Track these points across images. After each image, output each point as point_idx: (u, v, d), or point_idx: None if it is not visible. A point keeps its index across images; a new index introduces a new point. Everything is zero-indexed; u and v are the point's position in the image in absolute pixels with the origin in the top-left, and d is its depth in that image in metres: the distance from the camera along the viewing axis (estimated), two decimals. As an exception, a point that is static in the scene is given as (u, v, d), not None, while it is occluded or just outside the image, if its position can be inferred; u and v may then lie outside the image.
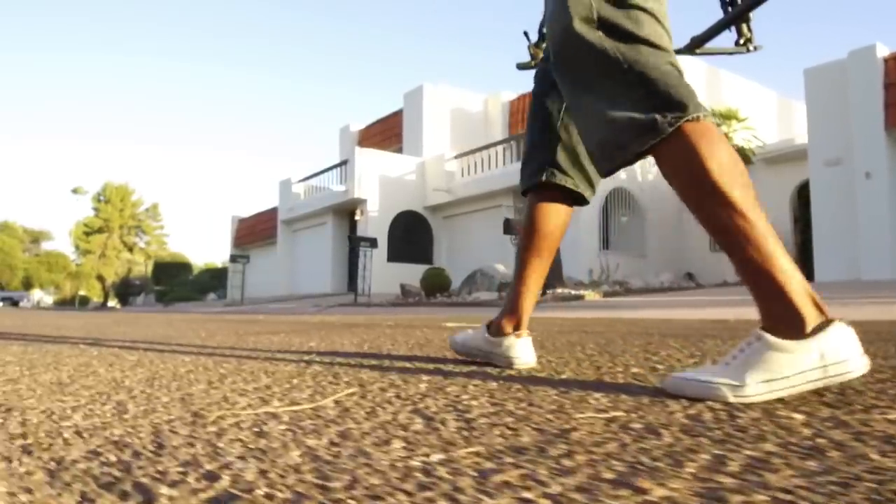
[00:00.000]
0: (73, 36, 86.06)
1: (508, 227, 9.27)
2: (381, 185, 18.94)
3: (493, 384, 1.32)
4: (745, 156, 14.53)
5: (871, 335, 2.12)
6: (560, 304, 8.29)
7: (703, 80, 17.48)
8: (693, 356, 1.77)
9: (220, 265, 49.11)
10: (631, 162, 1.18)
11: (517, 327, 1.57)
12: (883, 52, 10.76)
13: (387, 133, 22.32)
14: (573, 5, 1.21)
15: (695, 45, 1.62)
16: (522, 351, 1.56)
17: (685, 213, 16.33)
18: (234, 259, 16.56)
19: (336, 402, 1.17)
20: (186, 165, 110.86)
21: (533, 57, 1.77)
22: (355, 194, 18.57)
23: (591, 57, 1.19)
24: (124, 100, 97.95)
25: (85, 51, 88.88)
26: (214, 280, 32.37)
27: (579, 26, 1.19)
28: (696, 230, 15.90)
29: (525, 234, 1.55)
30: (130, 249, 62.84)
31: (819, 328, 1.01)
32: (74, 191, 61.10)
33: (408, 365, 1.69)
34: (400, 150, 20.98)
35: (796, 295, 1.03)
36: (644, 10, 1.17)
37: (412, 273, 18.88)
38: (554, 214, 1.52)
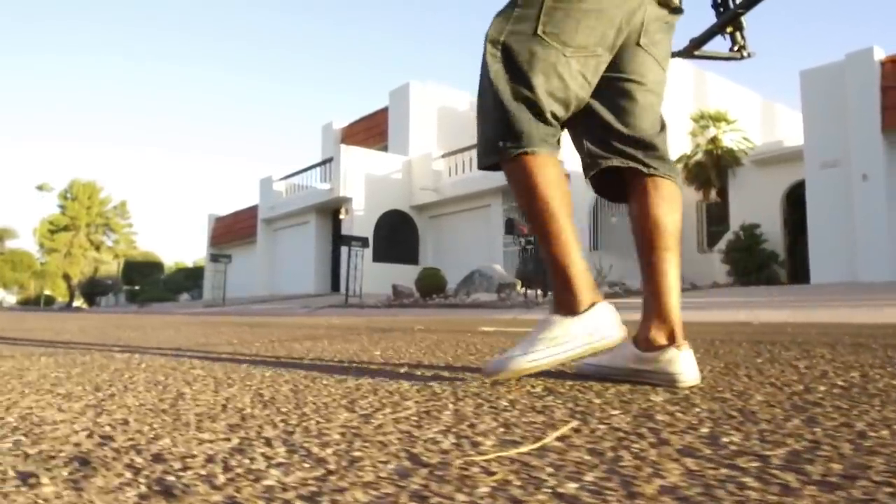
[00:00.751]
0: (41, 35, 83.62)
1: (511, 227, 9.04)
2: (366, 184, 18.60)
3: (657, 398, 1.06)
4: (734, 157, 14.57)
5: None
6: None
7: (691, 82, 17.51)
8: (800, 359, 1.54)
9: (191, 265, 48.12)
10: (484, 168, 1.43)
11: (672, 337, 1.35)
12: (880, 55, 10.80)
13: (371, 131, 21.96)
14: (495, 25, 1.38)
15: (692, 49, 1.67)
16: (686, 365, 1.33)
17: (673, 215, 16.31)
18: (215, 258, 16.05)
19: (561, 438, 0.90)
20: (158, 164, 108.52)
21: None
22: (340, 193, 18.19)
23: (484, 71, 1.38)
24: (95, 98, 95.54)
25: (56, 51, 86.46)
26: (189, 280, 31.57)
27: (488, 45, 1.37)
28: (685, 231, 15.91)
29: (637, 231, 1.44)
30: (98, 248, 61.22)
31: (586, 311, 1.31)
32: (40, 187, 59.18)
33: (570, 383, 1.41)
34: (385, 149, 20.64)
35: (576, 284, 1.32)
36: (550, 45, 1.31)
37: (398, 273, 18.58)
38: (658, 194, 1.46)
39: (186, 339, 3.21)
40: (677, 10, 1.46)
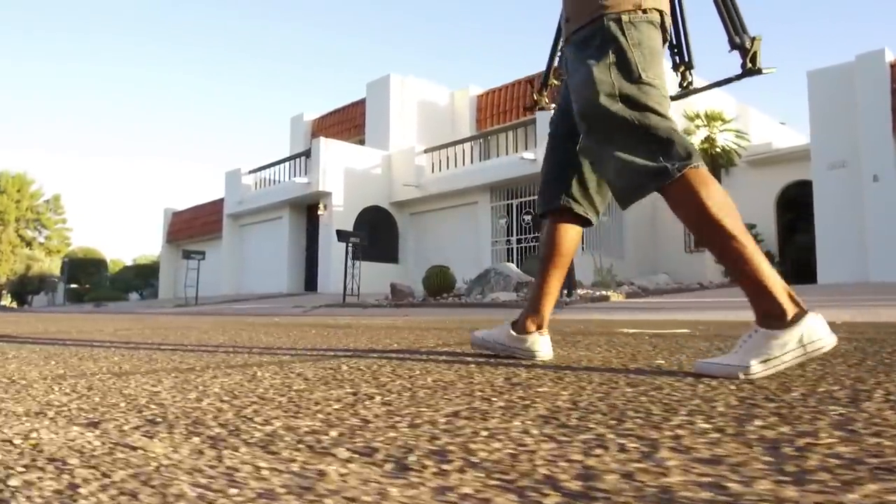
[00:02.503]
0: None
1: (540, 225, 8.54)
2: (345, 179, 17.81)
3: None
4: (729, 158, 14.58)
5: None
6: (595, 306, 7.70)
7: (670, 84, 17.48)
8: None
9: (129, 262, 45.61)
10: (643, 196, 1.53)
11: (540, 326, 1.87)
12: (890, 57, 10.89)
13: (346, 124, 21.14)
14: (599, 83, 1.55)
15: (700, 90, 1.88)
16: (544, 346, 1.87)
17: (660, 213, 16.31)
18: (188, 255, 14.95)
19: None
20: (99, 159, 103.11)
21: (536, 101, 2.12)
22: (320, 187, 17.35)
23: (613, 122, 1.54)
24: (31, 90, 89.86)
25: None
26: (139, 278, 29.81)
27: (604, 100, 1.54)
28: (672, 231, 15.90)
29: (547, 249, 1.84)
30: (29, 244, 57.58)
31: (796, 318, 1.37)
32: (-36, 180, 55.12)
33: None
34: (361, 142, 19.88)
35: (778, 294, 1.39)
36: (652, 85, 1.54)
37: (378, 272, 17.86)
38: (571, 234, 1.83)
39: (241, 338, 2.57)
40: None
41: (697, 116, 15.16)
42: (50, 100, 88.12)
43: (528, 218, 15.88)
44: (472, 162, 17.22)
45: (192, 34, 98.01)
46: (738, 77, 1.70)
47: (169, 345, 2.76)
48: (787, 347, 1.34)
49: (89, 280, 30.37)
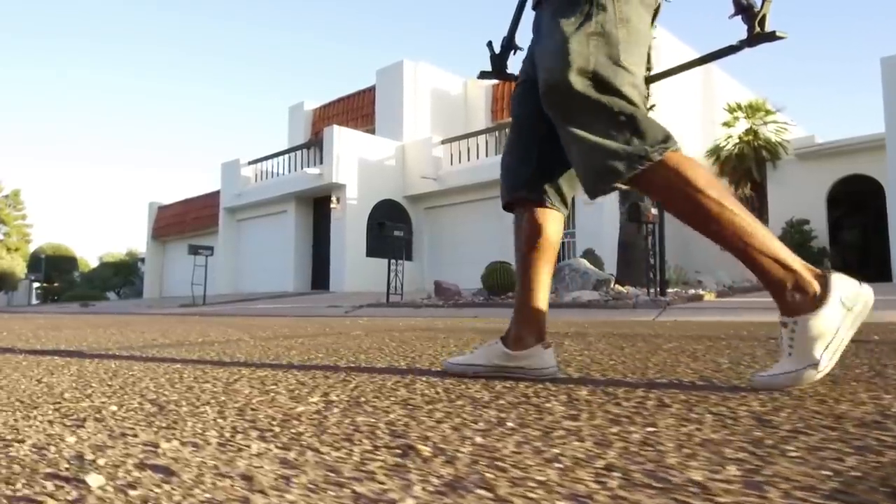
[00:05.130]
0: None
1: (637, 213, 7.65)
2: (359, 170, 16.66)
3: None
4: (773, 150, 13.90)
5: None
6: (698, 306, 6.87)
7: (699, 79, 16.82)
8: None
9: (96, 262, 43.24)
10: (615, 186, 1.34)
11: (540, 338, 1.53)
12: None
13: (353, 113, 19.93)
14: (575, 56, 1.34)
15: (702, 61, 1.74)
16: (550, 361, 1.51)
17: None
18: (195, 251, 13.62)
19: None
20: (62, 154, 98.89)
21: (495, 67, 1.79)
22: (333, 179, 16.16)
23: (582, 102, 1.34)
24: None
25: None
26: (118, 276, 28.05)
27: (574, 77, 1.34)
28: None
29: (527, 241, 1.56)
30: (-12, 242, 54.64)
31: (823, 284, 1.22)
32: (-83, 172, 51.96)
33: None
34: (370, 132, 18.73)
35: (799, 269, 1.24)
36: (629, 71, 1.35)
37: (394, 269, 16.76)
38: (556, 221, 1.57)
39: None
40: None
41: (739, 108, 14.46)
42: (8, 84, 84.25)
43: (561, 213, 15.00)
44: (488, 154, 16.24)
45: (176, 13, 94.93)
46: (746, 43, 1.48)
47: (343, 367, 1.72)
48: (837, 320, 1.20)
49: (60, 278, 28.48)
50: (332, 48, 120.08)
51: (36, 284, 31.11)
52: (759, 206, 14.38)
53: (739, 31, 1.46)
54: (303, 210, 18.06)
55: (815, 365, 1.20)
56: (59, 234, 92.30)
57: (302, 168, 17.45)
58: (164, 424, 1.02)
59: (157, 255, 24.07)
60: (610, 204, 14.21)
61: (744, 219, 1.25)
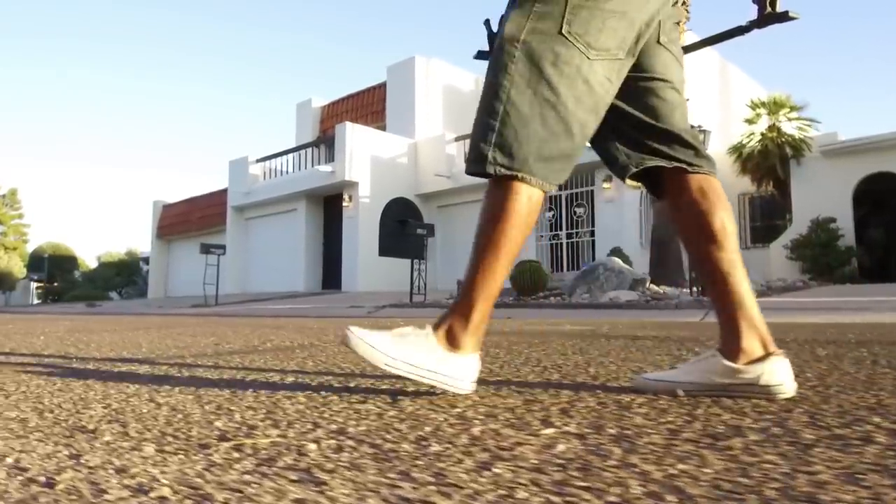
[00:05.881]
0: None
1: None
2: (372, 168, 16.36)
3: None
4: (797, 147, 13.62)
5: None
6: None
7: (716, 70, 16.54)
8: None
9: (95, 263, 42.75)
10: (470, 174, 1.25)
11: (765, 345, 1.23)
12: None
13: (362, 110, 19.62)
14: (513, 20, 1.21)
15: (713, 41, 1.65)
16: (784, 375, 1.19)
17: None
18: (207, 250, 13.31)
19: None
20: (63, 154, 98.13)
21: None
22: (346, 176, 15.85)
23: (498, 69, 1.21)
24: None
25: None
26: (120, 276, 27.66)
27: (505, 43, 1.20)
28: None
29: (692, 235, 1.32)
30: (-16, 241, 54.11)
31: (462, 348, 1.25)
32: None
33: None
34: (380, 130, 18.42)
35: (469, 332, 1.25)
36: (575, 47, 1.17)
37: (403, 270, 16.45)
38: (700, 185, 1.34)
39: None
40: (684, 10, 1.37)
41: (762, 104, 14.19)
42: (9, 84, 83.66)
43: (580, 211, 14.71)
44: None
45: (176, 12, 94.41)
46: (756, 24, 1.39)
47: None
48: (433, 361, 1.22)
49: (61, 278, 28.06)
50: (333, 48, 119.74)
51: (35, 284, 30.70)
52: (781, 204, 14.12)
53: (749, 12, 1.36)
54: (313, 208, 17.74)
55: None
56: (57, 234, 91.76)
57: (313, 166, 17.14)
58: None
59: (162, 254, 23.72)
60: (631, 202, 13.94)
61: (502, 274, 1.24)
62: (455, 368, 1.21)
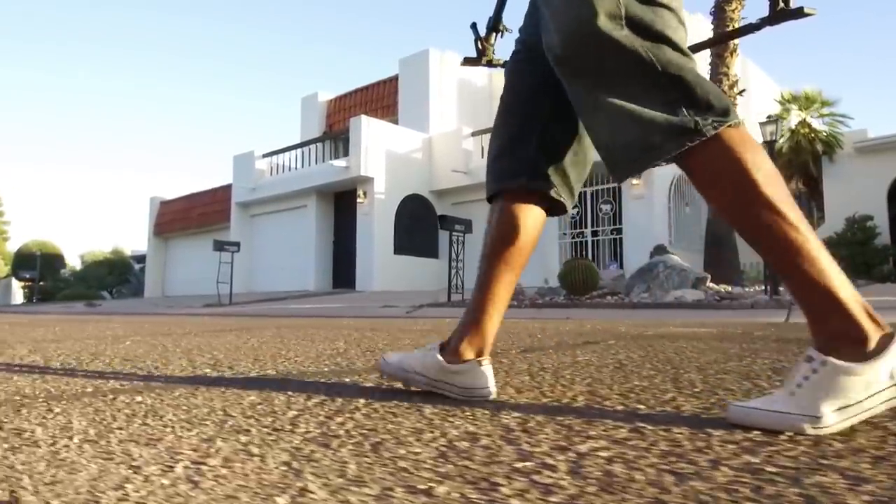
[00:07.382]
0: None
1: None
2: (387, 163, 15.81)
3: None
4: (828, 143, 13.35)
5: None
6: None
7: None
8: None
9: (79, 263, 41.67)
10: (653, 164, 1.05)
11: (480, 353, 1.26)
12: None
13: (373, 104, 19.04)
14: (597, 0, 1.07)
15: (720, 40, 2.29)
16: (485, 380, 1.24)
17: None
18: (220, 247, 12.68)
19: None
20: (54, 154, 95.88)
21: (481, 52, 1.60)
22: (361, 171, 15.29)
23: (616, 56, 1.04)
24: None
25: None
26: (112, 275, 26.76)
27: (604, 23, 1.04)
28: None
29: (497, 241, 1.27)
30: (-35, 240, 52.54)
31: (883, 344, 0.91)
32: None
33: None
34: (394, 124, 17.90)
35: (855, 310, 0.93)
36: (670, 9, 1.07)
37: (418, 268, 15.96)
38: (535, 221, 1.28)
39: None
40: None
41: (793, 99, 13.88)
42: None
43: (606, 207, 14.28)
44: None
45: (178, 12, 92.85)
46: (768, 21, 1.33)
47: None
48: (874, 388, 0.89)
49: (50, 276, 27.08)
50: (334, 49, 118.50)
51: (20, 283, 29.65)
52: (812, 202, 13.84)
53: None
54: (324, 205, 17.15)
55: (813, 419, 0.92)
56: (40, 232, 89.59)
57: (324, 160, 16.55)
58: None
59: (159, 252, 22.92)
60: (660, 200, 13.55)
61: (805, 237, 0.94)
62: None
